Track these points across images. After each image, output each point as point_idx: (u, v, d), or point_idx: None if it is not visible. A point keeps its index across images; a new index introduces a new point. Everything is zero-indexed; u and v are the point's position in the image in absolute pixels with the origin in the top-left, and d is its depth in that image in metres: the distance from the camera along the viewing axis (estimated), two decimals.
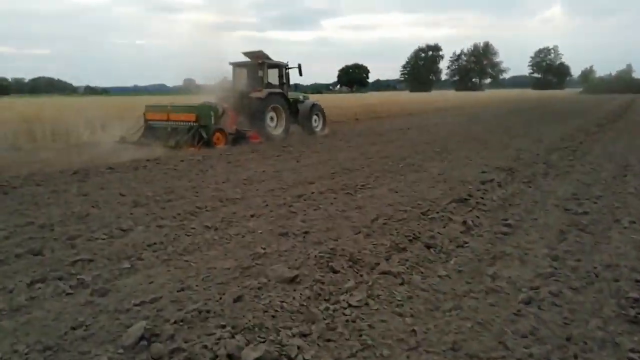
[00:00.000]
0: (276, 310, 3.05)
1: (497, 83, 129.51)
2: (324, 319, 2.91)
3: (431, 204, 6.05)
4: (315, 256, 4.04)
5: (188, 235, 4.76)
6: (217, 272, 3.74)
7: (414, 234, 4.67)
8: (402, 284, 3.48)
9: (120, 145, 11.90)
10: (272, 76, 14.91)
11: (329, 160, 10.23)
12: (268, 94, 14.02)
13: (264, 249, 4.33)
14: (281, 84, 15.15)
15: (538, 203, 6.01)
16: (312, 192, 6.72)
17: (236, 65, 15.19)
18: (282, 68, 15.26)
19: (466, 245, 4.36)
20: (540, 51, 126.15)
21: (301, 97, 16.16)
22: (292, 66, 15.47)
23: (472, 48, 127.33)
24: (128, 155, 10.38)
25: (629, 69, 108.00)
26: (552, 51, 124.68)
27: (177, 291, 3.39)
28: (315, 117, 16.08)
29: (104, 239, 4.64)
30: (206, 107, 12.53)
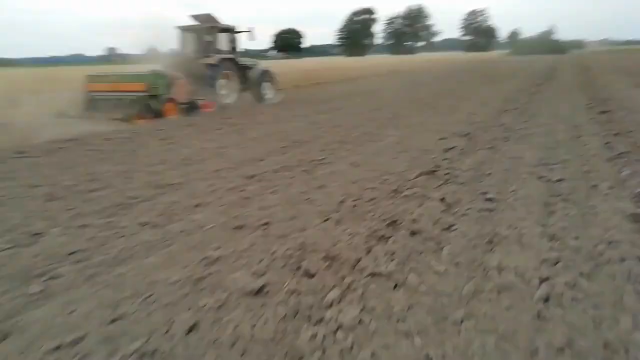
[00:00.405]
0: (246, 342, 2.31)
1: (430, 46, 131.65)
2: (313, 353, 2.21)
3: (398, 178, 5.46)
4: (283, 255, 3.31)
5: (119, 237, 3.84)
6: (160, 289, 2.91)
7: (391, 218, 4.05)
8: (396, 287, 2.84)
9: (44, 121, 10.24)
10: (223, 41, 14.04)
11: (276, 132, 9.38)
12: (220, 60, 13.24)
13: (218, 249, 3.53)
14: (231, 49, 14.30)
15: (510, 171, 5.59)
16: (265, 171, 5.91)
17: (184, 29, 14.03)
18: (232, 32, 14.37)
19: (454, 228, 3.79)
20: (471, 13, 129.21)
21: (250, 63, 15.12)
22: (242, 30, 14.54)
23: (407, 11, 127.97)
24: (48, 133, 8.85)
25: (550, 31, 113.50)
26: (481, 13, 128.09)
27: (108, 323, 2.54)
28: (266, 84, 15.23)
29: (5, 250, 3.61)
30: (156, 76, 11.48)
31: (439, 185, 5.06)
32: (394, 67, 42.75)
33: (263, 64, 16.09)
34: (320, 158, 6.58)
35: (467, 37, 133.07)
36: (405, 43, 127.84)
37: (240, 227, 3.99)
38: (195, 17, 14.14)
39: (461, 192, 4.73)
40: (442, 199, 4.44)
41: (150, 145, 8.21)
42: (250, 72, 14.78)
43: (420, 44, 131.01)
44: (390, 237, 3.63)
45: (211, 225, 4.05)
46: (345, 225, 3.96)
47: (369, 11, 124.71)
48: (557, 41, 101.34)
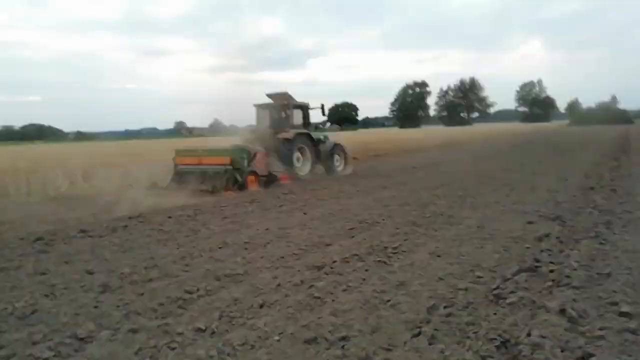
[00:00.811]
0: None
1: (485, 117, 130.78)
2: None
3: (493, 275, 4.64)
4: None
5: (172, 349, 3.25)
6: None
7: (501, 337, 3.22)
8: None
9: (136, 193, 11.18)
10: (296, 117, 14.87)
11: (341, 210, 8.82)
12: (295, 135, 13.89)
13: None
14: (305, 124, 15.10)
15: (634, 271, 4.61)
16: (334, 261, 5.26)
17: (260, 107, 15.07)
18: (305, 108, 15.26)
19: None
20: (525, 85, 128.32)
21: (322, 137, 15.74)
22: (314, 106, 15.45)
23: (459, 83, 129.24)
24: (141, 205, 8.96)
25: (613, 100, 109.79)
26: (537, 84, 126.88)
27: None
28: (337, 156, 15.74)
29: None
30: (239, 150, 12.28)
31: (549, 289, 4.18)
32: (450, 138, 42.02)
33: (334, 138, 16.70)
34: (394, 245, 5.86)
35: (522, 108, 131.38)
36: (459, 114, 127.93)
37: (312, 341, 3.30)
38: (272, 95, 15.10)
39: (583, 301, 3.82)
40: (562, 311, 3.56)
41: (212, 224, 7.86)
42: (322, 146, 15.26)
43: (474, 115, 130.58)
44: None
45: (277, 337, 3.39)
46: (441, 344, 3.18)
47: (422, 84, 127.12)
48: (622, 111, 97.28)
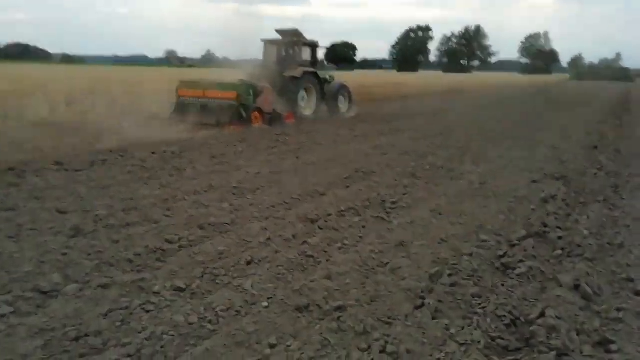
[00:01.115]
0: None
1: (485, 66, 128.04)
2: None
3: (499, 240, 4.31)
4: None
5: (146, 311, 2.90)
6: None
7: (510, 314, 2.92)
8: None
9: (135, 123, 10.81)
10: (305, 55, 14.42)
11: (337, 156, 8.38)
12: (303, 73, 13.49)
13: (273, 347, 2.52)
14: (313, 63, 14.62)
15: None
16: (329, 214, 4.88)
17: (268, 42, 14.52)
18: (314, 47, 14.78)
19: (613, 349, 2.61)
20: (531, 36, 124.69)
21: (328, 77, 15.27)
22: (322, 45, 15.23)
23: (464, 31, 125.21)
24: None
25: (617, 58, 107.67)
26: (543, 37, 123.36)
27: None
28: (341, 97, 15.36)
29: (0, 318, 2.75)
30: (246, 86, 11.92)
31: (558, 258, 3.87)
32: (450, 86, 40.91)
33: (341, 79, 16.23)
34: (393, 198, 5.49)
35: (524, 60, 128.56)
36: (460, 62, 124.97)
37: (304, 309, 2.97)
38: (281, 31, 14.66)
39: (596, 276, 3.51)
40: (576, 287, 3.25)
41: (199, 163, 7.39)
42: (328, 86, 14.93)
43: (474, 63, 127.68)
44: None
45: (266, 302, 3.05)
46: (446, 319, 2.87)
47: (426, 29, 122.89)
48: (625, 68, 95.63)
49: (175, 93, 12.60)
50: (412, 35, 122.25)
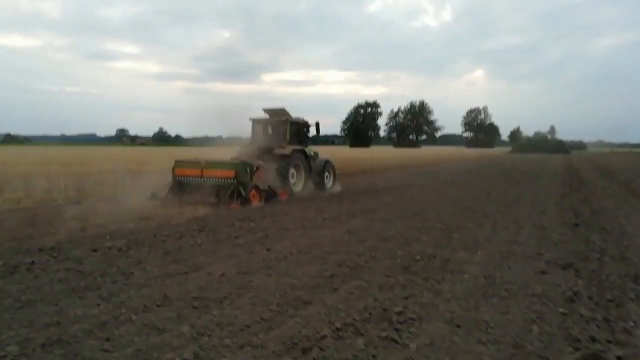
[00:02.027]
0: None
1: (432, 140, 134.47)
2: None
3: None
4: None
5: None
6: None
7: None
8: None
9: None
10: (293, 133, 14.81)
11: (310, 245, 7.35)
12: (292, 151, 13.90)
13: None
14: (300, 141, 15.04)
15: None
16: (322, 336, 3.76)
17: (257, 121, 15.01)
18: (301, 126, 15.23)
19: None
20: (471, 111, 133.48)
21: (312, 154, 15.59)
22: (310, 124, 15.60)
23: (409, 106, 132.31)
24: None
25: (552, 131, 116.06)
26: (482, 111, 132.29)
27: None
28: (327, 173, 15.79)
29: None
30: (243, 164, 12.14)
31: None
32: (402, 159, 41.72)
33: (325, 156, 16.59)
34: (397, 308, 4.44)
35: (467, 133, 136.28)
36: (408, 136, 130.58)
37: None
38: (269, 110, 15.03)
39: None
40: None
41: (149, 262, 6.13)
42: (314, 163, 15.28)
43: (422, 137, 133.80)
44: None
45: None
46: None
47: (374, 104, 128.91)
48: (560, 141, 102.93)
49: (171, 172, 12.55)
50: (361, 111, 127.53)
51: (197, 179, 12.16)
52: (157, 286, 5.11)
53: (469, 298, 4.83)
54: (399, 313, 4.25)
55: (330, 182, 15.95)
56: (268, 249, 7.01)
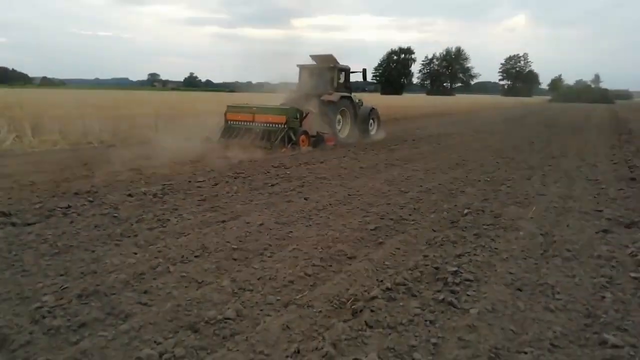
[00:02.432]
0: None
1: (467, 88, 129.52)
2: None
3: (633, 340, 2.96)
4: None
5: None
6: None
7: None
8: None
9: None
10: (340, 79, 14.71)
11: (350, 196, 7.03)
12: (340, 98, 13.92)
13: None
14: (347, 88, 14.96)
15: None
16: (372, 297, 3.47)
17: (304, 68, 14.93)
18: (347, 72, 15.04)
19: None
20: (510, 58, 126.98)
21: (358, 101, 15.48)
22: (355, 70, 15.38)
23: (444, 52, 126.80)
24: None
25: (596, 80, 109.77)
26: (522, 58, 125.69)
27: None
28: (371, 121, 15.73)
29: None
30: (294, 110, 12.31)
31: None
32: (437, 108, 40.21)
33: (370, 103, 16.43)
34: (451, 267, 4.09)
35: (505, 82, 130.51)
36: (443, 84, 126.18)
37: None
38: (316, 57, 14.90)
39: None
40: None
41: (185, 209, 5.94)
42: (360, 110, 15.24)
43: (457, 85, 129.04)
44: None
45: None
46: None
47: (407, 51, 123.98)
48: (604, 90, 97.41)
49: (223, 117, 12.91)
50: (394, 57, 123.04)
51: (248, 123, 12.47)
52: (194, 235, 4.90)
53: (527, 258, 4.44)
54: (454, 273, 3.91)
55: (375, 129, 15.94)
56: (306, 199, 6.72)
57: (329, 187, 7.73)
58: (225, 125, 12.83)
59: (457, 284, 3.71)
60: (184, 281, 3.75)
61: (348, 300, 3.46)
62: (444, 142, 15.23)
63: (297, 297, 3.51)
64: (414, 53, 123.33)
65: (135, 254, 4.32)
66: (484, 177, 8.83)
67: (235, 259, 4.27)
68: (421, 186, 7.93)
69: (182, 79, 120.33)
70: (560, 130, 22.13)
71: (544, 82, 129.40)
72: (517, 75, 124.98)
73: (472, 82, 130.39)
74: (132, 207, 5.95)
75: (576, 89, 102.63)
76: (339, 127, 14.12)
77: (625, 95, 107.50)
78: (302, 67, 14.88)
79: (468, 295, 3.53)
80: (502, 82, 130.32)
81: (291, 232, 5.15)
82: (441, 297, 3.46)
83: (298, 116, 12.25)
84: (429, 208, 6.41)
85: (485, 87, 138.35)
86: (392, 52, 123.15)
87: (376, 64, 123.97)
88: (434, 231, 5.34)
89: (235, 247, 4.55)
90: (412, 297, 3.52)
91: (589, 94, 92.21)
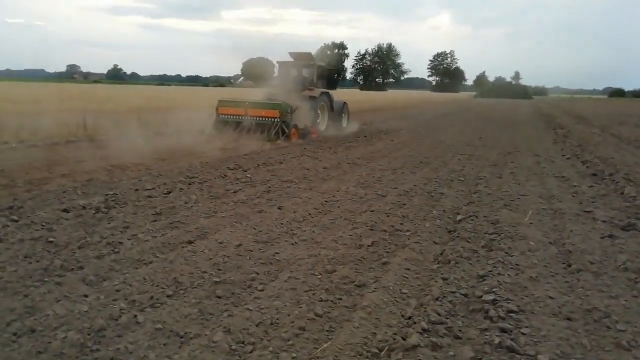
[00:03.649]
0: None
1: (399, 84, 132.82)
2: None
3: None
4: None
5: None
6: None
7: None
8: None
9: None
10: (317, 76, 15.51)
11: (326, 202, 6.29)
12: (320, 94, 14.82)
13: None
14: (324, 84, 15.81)
15: None
16: (410, 346, 2.75)
17: (283, 64, 15.74)
18: (325, 70, 16.19)
19: None
20: (438, 55, 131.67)
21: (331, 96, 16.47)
22: (330, 67, 16.83)
23: (376, 48, 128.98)
24: None
25: (516, 76, 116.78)
26: (449, 55, 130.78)
27: None
28: (344, 114, 16.80)
29: None
30: (285, 105, 12.96)
31: None
32: (372, 103, 40.25)
33: (341, 99, 17.42)
34: (487, 296, 3.46)
35: (433, 78, 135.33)
36: (375, 80, 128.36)
37: None
38: (294, 54, 15.70)
39: None
40: None
41: (138, 226, 4.89)
42: (334, 105, 16.03)
43: (388, 81, 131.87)
44: None
45: None
46: None
47: (341, 46, 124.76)
48: (524, 86, 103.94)
49: (215, 111, 13.42)
50: (328, 52, 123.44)
51: (240, 117, 13.04)
52: (158, 263, 3.92)
53: (555, 275, 3.93)
54: (492, 303, 3.28)
55: (346, 122, 17.04)
56: (280, 208, 5.87)
57: (299, 192, 6.93)
58: (217, 119, 13.38)
59: (502, 317, 3.08)
60: (161, 336, 2.81)
61: (381, 351, 2.72)
62: (395, 139, 14.90)
63: (317, 351, 2.71)
64: (347, 48, 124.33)
65: (86, 296, 3.29)
66: (454, 177, 8.45)
67: (219, 297, 3.38)
68: (396, 188, 7.37)
69: (105, 71, 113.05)
70: (498, 125, 22.75)
71: (470, 78, 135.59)
72: (445, 72, 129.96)
73: (403, 78, 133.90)
74: (71, 226, 4.80)
75: (498, 85, 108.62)
76: (318, 121, 14.89)
77: (541, 91, 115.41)
78: (281, 64, 15.73)
79: (523, 334, 2.91)
80: (430, 78, 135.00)
81: (277, 253, 4.31)
82: (495, 339, 2.81)
83: (289, 110, 12.93)
84: (417, 214, 5.82)
85: (413, 83, 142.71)
86: (326, 47, 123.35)
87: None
88: (436, 244, 4.74)
89: (216, 279, 3.64)
90: (458, 341, 2.84)
91: (511, 90, 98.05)
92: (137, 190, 6.47)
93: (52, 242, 4.32)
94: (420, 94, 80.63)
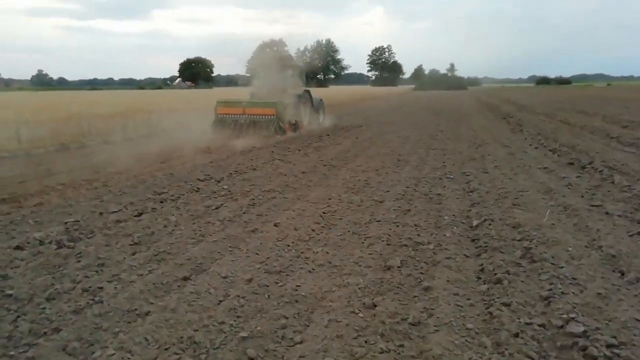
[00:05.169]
0: None
1: (339, 79, 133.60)
2: None
3: None
4: None
5: None
6: None
7: None
8: None
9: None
10: (298, 76, 17.15)
11: (323, 212, 5.62)
12: (304, 91, 16.31)
13: None
14: (304, 83, 17.46)
15: None
16: None
17: (267, 65, 16.48)
18: (304, 70, 18.18)
19: None
20: (376, 50, 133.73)
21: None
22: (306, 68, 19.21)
23: (315, 45, 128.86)
24: None
25: (452, 68, 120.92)
26: (387, 50, 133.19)
27: None
28: (321, 110, 18.20)
29: None
30: (280, 103, 14.14)
31: None
32: (328, 99, 39.99)
33: (318, 95, 18.54)
34: (575, 328, 2.96)
35: (373, 72, 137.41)
36: (316, 76, 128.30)
37: None
38: (277, 55, 16.94)
39: None
40: None
41: (120, 265, 4.00)
42: (314, 101, 17.25)
43: (328, 76, 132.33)
44: None
45: None
46: None
47: (280, 43, 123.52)
48: (460, 78, 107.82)
49: (214, 111, 14.24)
50: (267, 50, 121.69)
51: (238, 116, 14.01)
52: (158, 314, 3.10)
53: (620, 288, 3.51)
54: (585, 337, 2.76)
55: (322, 117, 18.26)
56: (276, 225, 5.13)
57: (288, 203, 6.22)
58: (215, 119, 14.22)
59: (609, 357, 2.57)
60: None
61: None
62: (360, 136, 14.44)
63: None
64: (286, 45, 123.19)
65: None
66: (440, 174, 8.06)
67: (253, 359, 2.64)
68: (389, 192, 6.83)
69: (29, 77, 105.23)
70: (449, 116, 22.92)
71: (408, 72, 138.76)
72: (383, 66, 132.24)
73: (343, 74, 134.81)
74: (31, 270, 3.83)
75: (435, 77, 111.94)
76: (303, 116, 16.03)
77: (475, 82, 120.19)
78: (264, 65, 16.61)
79: None
80: (370, 73, 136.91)
81: (298, 286, 3.60)
82: None
83: (283, 108, 14.11)
84: (427, 222, 5.30)
85: (352, 78, 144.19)
86: (265, 45, 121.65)
87: (248, 57, 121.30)
88: (468, 257, 4.23)
89: (242, 333, 2.88)
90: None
91: (447, 81, 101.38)
92: (101, 214, 5.48)
93: (10, 295, 3.36)
94: (361, 89, 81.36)
